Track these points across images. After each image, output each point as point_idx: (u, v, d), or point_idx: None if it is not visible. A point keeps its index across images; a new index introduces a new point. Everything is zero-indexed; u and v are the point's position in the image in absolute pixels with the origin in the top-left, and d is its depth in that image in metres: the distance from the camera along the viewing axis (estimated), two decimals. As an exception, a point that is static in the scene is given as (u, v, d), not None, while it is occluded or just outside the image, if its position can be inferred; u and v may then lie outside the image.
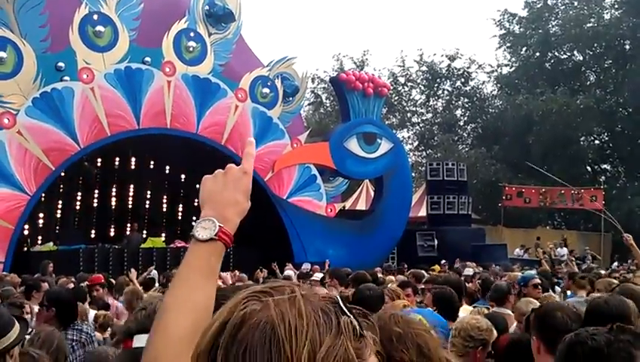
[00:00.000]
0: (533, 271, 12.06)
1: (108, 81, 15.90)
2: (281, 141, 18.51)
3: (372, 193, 24.42)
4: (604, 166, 41.35)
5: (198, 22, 17.59)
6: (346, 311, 1.03)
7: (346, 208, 23.34)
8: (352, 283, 8.03)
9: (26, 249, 16.65)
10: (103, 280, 10.13)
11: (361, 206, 26.20)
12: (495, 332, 4.18)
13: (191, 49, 17.32)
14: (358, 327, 1.01)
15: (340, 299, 1.04)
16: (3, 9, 14.98)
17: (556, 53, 40.90)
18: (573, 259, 21.84)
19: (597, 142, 40.39)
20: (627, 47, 38.40)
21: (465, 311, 6.20)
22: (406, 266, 16.37)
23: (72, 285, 9.46)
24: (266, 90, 18.46)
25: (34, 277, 10.25)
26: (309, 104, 45.34)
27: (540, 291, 7.24)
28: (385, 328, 1.95)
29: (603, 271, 14.40)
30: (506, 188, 30.45)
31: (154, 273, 13.24)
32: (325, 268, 15.76)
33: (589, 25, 38.63)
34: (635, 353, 2.31)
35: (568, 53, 41.05)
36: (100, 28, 15.89)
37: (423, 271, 11.50)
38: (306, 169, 18.98)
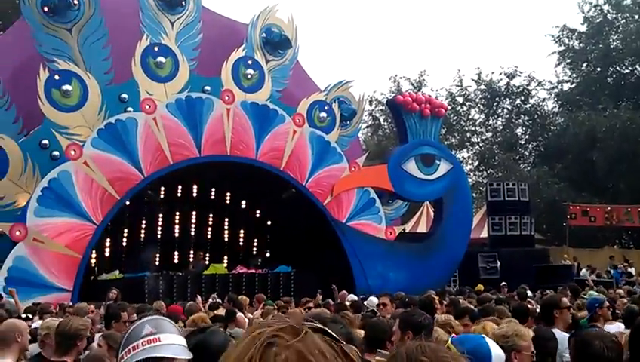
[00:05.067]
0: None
1: (169, 111, 16.25)
2: (339, 165, 18.53)
3: (432, 215, 24.21)
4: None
5: (256, 49, 17.86)
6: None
7: (407, 231, 23.16)
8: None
9: (92, 278, 16.99)
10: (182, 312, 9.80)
11: (422, 228, 26.01)
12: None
13: (249, 76, 17.56)
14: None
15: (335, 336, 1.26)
16: (68, 43, 15.51)
17: (618, 68, 40.09)
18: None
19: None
20: (692, 58, 37.41)
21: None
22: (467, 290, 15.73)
23: (135, 316, 8.50)
24: (324, 115, 18.53)
25: (113, 306, 9.83)
26: (366, 127, 45.51)
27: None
28: (412, 358, 1.98)
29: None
30: (570, 207, 29.83)
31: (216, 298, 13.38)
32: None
33: (651, 38, 37.80)
34: None
35: (630, 68, 40.19)
36: (161, 59, 16.29)
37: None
38: (364, 192, 18.92)
